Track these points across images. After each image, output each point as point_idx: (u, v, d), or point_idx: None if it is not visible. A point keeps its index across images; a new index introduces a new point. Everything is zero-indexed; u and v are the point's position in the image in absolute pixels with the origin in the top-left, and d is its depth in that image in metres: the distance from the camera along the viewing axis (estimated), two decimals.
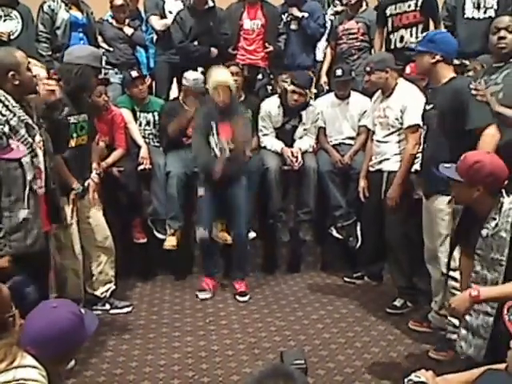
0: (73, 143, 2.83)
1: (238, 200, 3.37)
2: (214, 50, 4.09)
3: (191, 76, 3.72)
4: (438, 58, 2.55)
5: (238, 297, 3.38)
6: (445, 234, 2.58)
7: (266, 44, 4.19)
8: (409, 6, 3.82)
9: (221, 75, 3.31)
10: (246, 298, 3.37)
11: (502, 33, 2.75)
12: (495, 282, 1.93)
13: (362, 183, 3.39)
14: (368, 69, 3.19)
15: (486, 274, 1.97)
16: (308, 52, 4.34)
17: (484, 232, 1.98)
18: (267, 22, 4.18)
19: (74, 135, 2.82)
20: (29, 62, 2.31)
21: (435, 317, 2.79)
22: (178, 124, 3.67)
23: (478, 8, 3.56)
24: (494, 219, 1.96)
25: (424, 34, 2.68)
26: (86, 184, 2.91)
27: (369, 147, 3.38)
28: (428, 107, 2.66)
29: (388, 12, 3.89)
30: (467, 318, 1.98)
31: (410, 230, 3.20)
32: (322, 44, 4.42)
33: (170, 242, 3.58)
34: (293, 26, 4.27)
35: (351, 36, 4.13)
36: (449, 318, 2.55)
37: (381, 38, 3.98)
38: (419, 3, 3.81)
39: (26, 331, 1.50)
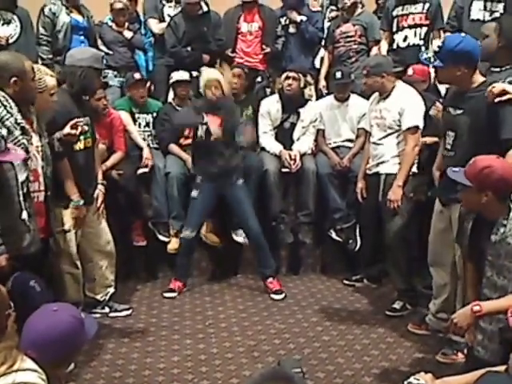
0: (81, 146, 2.83)
1: (241, 202, 3.41)
2: (206, 57, 4.11)
3: (177, 73, 3.85)
4: (463, 69, 2.38)
5: (272, 295, 3.40)
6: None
7: (264, 46, 4.20)
8: (415, 8, 3.87)
9: (211, 73, 3.45)
10: (281, 296, 3.39)
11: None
12: (504, 289, 1.91)
13: (360, 184, 3.39)
14: (365, 72, 3.20)
15: (496, 281, 1.95)
16: (306, 55, 4.36)
17: (493, 238, 1.96)
18: (264, 25, 4.20)
19: (81, 138, 2.82)
20: (34, 74, 2.31)
21: (432, 319, 2.78)
22: None
23: (485, 10, 3.58)
24: (504, 225, 1.93)
25: (439, 42, 2.45)
26: (94, 195, 2.95)
27: (366, 149, 3.39)
28: (455, 112, 2.49)
29: (395, 13, 3.92)
30: (481, 323, 1.96)
31: (410, 232, 3.21)
32: (322, 52, 4.45)
33: (173, 245, 3.59)
34: (291, 30, 4.28)
35: (349, 39, 4.15)
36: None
37: (387, 42, 4.00)
38: (426, 7, 3.84)
39: (27, 334, 1.50)
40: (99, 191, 2.99)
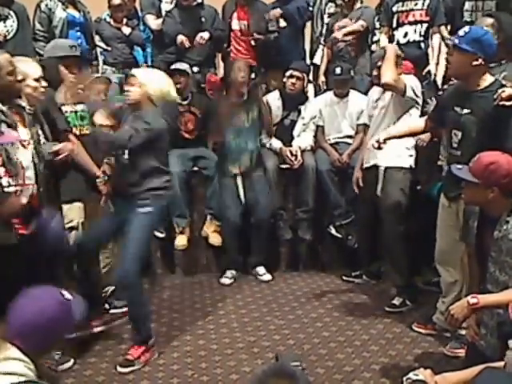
0: (76, 132, 2.82)
1: (132, 232, 2.56)
2: (204, 35, 3.98)
3: (176, 64, 3.79)
4: (480, 61, 2.36)
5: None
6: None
7: (255, 34, 4.12)
8: (415, 5, 3.85)
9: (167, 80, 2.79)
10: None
11: None
12: (506, 285, 1.92)
13: (357, 174, 3.35)
14: (380, 64, 3.12)
15: (498, 276, 1.96)
16: (298, 48, 4.33)
17: (496, 234, 1.97)
18: (251, 20, 4.16)
19: (77, 123, 2.83)
20: (14, 67, 2.24)
21: (440, 318, 2.73)
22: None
23: (479, 11, 3.56)
24: (507, 222, 1.94)
25: (465, 29, 2.43)
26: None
27: (365, 142, 3.36)
28: (462, 111, 2.47)
29: (395, 9, 3.91)
30: (484, 318, 1.97)
31: (408, 227, 3.20)
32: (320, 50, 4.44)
33: (181, 241, 3.57)
34: (282, 23, 4.26)
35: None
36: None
37: (387, 36, 3.99)
38: (426, 3, 3.83)
39: (13, 322, 1.47)
40: (101, 184, 2.91)
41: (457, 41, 2.41)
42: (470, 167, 2.03)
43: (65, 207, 2.73)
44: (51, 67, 2.76)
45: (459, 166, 2.11)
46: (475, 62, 2.37)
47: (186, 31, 4.04)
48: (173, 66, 3.80)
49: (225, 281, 3.57)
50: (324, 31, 4.35)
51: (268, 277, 3.61)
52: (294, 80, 3.70)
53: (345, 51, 4.12)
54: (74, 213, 2.77)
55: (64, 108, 2.81)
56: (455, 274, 2.69)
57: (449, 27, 3.87)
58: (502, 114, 2.34)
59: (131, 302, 2.59)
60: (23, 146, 2.27)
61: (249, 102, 3.56)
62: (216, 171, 3.60)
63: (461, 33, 2.43)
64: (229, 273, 3.61)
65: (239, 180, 3.57)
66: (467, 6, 3.59)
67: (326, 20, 4.43)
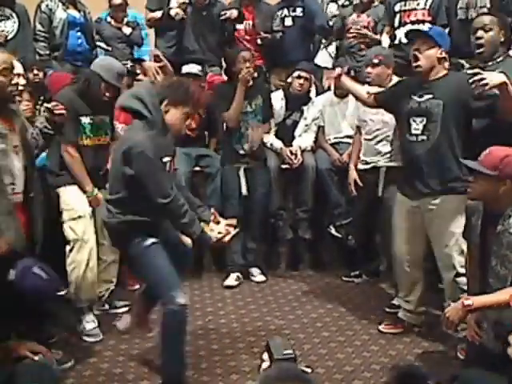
0: (88, 142, 2.83)
1: None
2: (234, 11, 4.06)
3: (187, 66, 3.76)
4: (444, 54, 2.59)
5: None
6: (458, 232, 2.46)
7: (262, 33, 4.13)
8: (418, 4, 3.85)
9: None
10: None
11: (479, 33, 2.74)
12: (506, 279, 1.93)
13: (354, 175, 3.32)
14: (376, 61, 3.11)
15: (499, 270, 1.97)
16: (304, 47, 4.33)
17: (498, 228, 1.98)
18: (256, 21, 4.18)
19: (91, 135, 2.83)
20: (9, 68, 2.19)
21: (409, 315, 2.82)
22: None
23: (473, 8, 3.55)
24: (510, 216, 1.95)
25: (428, 25, 2.74)
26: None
27: (357, 140, 3.37)
28: (422, 98, 2.57)
29: (397, 8, 3.90)
30: (486, 312, 1.98)
31: None
32: (323, 53, 4.45)
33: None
34: (287, 23, 4.26)
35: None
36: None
37: (389, 36, 3.99)
38: (428, 3, 3.82)
39: None
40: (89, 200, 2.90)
41: (430, 32, 2.62)
42: (481, 161, 2.02)
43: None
44: (92, 81, 2.74)
45: (467, 161, 2.12)
46: (440, 55, 2.58)
47: (199, 30, 4.09)
48: (185, 70, 3.80)
49: (230, 282, 3.52)
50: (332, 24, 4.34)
51: (261, 278, 3.56)
52: (301, 81, 3.69)
53: (357, 47, 4.13)
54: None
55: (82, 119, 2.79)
56: (420, 272, 2.76)
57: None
58: (466, 97, 2.46)
59: None
60: (15, 152, 2.25)
61: (253, 90, 3.46)
62: (218, 169, 3.58)
63: (426, 28, 2.66)
64: (234, 275, 3.55)
65: (241, 172, 3.50)
66: (461, 3, 3.58)
67: (335, 12, 4.44)
